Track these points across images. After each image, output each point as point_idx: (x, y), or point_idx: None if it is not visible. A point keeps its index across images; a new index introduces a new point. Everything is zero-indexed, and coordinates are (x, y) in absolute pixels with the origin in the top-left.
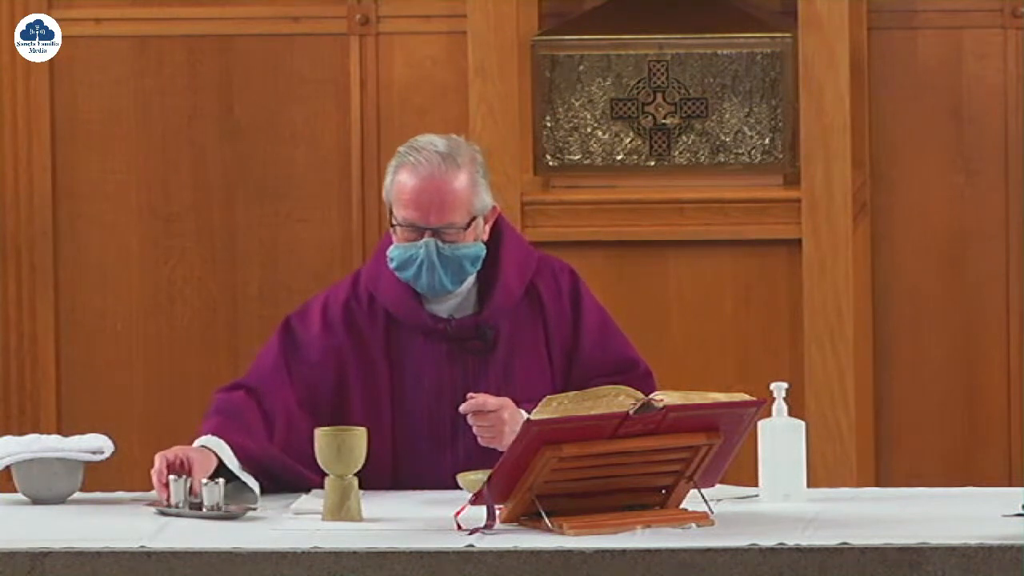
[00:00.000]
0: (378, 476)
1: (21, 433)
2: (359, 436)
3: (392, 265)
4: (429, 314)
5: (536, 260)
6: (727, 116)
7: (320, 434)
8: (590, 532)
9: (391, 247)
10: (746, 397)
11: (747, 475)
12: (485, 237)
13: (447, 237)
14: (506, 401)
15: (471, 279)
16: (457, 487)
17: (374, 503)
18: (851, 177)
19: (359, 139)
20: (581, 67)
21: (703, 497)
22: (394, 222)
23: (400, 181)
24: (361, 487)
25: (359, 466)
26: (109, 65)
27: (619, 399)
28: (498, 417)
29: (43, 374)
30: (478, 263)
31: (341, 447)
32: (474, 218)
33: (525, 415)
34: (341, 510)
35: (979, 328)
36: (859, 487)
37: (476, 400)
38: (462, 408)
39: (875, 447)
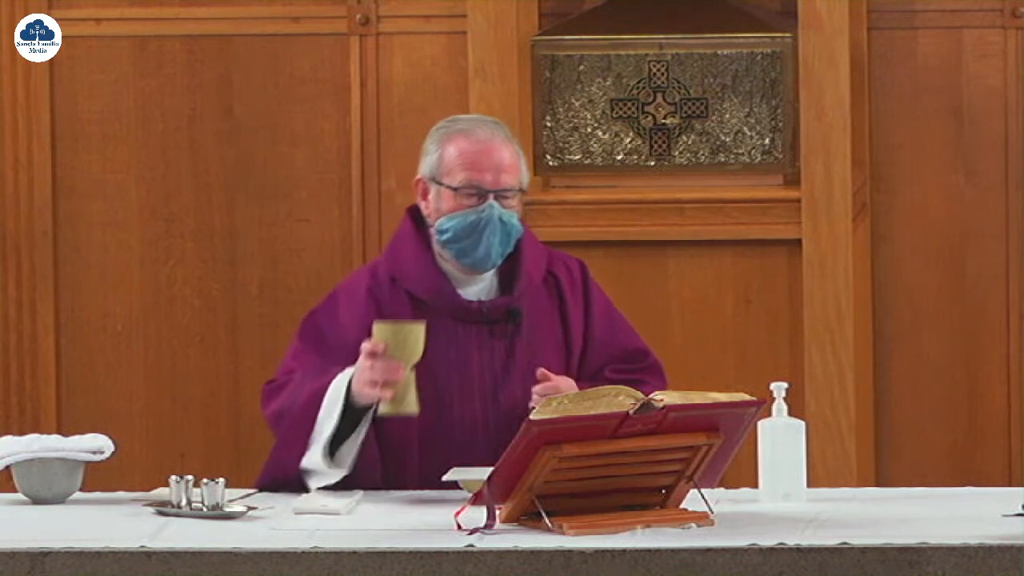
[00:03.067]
0: (405, 464)
1: (21, 433)
2: (419, 330)
3: (445, 237)
4: (463, 298)
5: (548, 252)
6: (727, 116)
7: (380, 328)
8: (590, 532)
9: (442, 220)
10: (746, 397)
11: (747, 475)
12: None
13: (506, 202)
14: (571, 381)
15: None
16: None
17: (374, 503)
18: (851, 177)
19: (359, 139)
20: (581, 67)
21: (703, 497)
22: (454, 186)
23: (453, 151)
24: (386, 477)
25: (418, 358)
26: (109, 65)
27: (619, 399)
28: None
29: (43, 374)
30: (515, 240)
31: (407, 339)
32: (522, 189)
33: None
34: (404, 403)
35: (979, 328)
36: (859, 487)
37: (549, 384)
38: (535, 389)
39: (875, 447)
